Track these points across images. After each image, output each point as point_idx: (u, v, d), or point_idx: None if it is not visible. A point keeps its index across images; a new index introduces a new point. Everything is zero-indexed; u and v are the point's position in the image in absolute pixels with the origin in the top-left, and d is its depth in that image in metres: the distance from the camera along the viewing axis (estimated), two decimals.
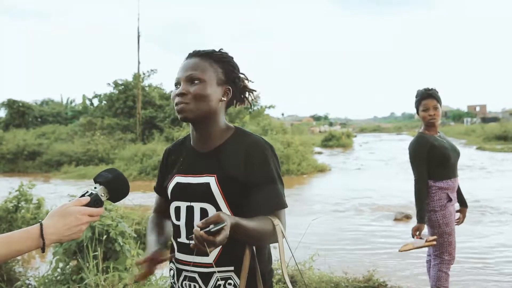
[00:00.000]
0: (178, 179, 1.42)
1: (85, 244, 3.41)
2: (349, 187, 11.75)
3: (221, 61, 1.40)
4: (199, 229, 1.09)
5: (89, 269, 3.32)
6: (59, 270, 3.63)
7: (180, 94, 1.36)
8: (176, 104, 1.37)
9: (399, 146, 27.86)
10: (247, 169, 1.35)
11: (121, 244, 3.57)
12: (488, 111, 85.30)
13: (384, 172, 15.02)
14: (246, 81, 1.49)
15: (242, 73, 1.48)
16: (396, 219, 7.97)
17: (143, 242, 5.46)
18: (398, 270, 5.24)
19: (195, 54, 1.40)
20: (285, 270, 1.31)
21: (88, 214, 1.16)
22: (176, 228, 1.41)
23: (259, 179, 1.34)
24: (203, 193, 1.35)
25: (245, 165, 1.35)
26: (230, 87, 1.42)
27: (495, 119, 57.35)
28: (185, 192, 1.39)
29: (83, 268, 3.37)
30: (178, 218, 1.40)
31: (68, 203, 1.17)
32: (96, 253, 3.40)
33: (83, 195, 1.20)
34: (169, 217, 1.48)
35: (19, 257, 4.82)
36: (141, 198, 10.23)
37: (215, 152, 1.40)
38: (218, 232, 1.09)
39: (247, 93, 1.50)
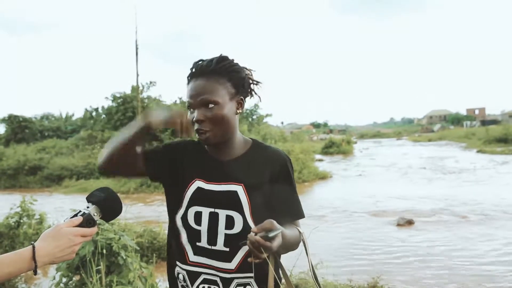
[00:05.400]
0: (200, 184, 1.41)
1: (88, 259, 3.40)
2: (351, 193, 11.74)
3: (227, 73, 1.36)
4: (254, 234, 1.13)
5: (93, 283, 3.31)
6: (62, 285, 3.61)
7: (198, 121, 1.34)
8: (198, 131, 1.36)
9: (400, 151, 27.87)
10: (272, 179, 1.39)
11: (124, 257, 3.55)
12: (487, 113, 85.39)
13: (385, 177, 15.00)
14: (249, 74, 1.44)
15: (243, 67, 1.44)
16: (398, 225, 7.96)
17: (146, 255, 5.45)
18: (402, 276, 5.22)
19: (200, 73, 1.36)
20: (313, 275, 1.36)
21: (81, 234, 1.16)
22: (195, 233, 1.39)
23: (282, 189, 1.40)
24: (230, 201, 1.36)
25: (270, 176, 1.39)
26: (242, 97, 1.40)
27: (494, 121, 57.39)
28: (208, 199, 1.39)
29: (86, 283, 3.36)
30: (198, 223, 1.39)
31: (60, 224, 1.16)
32: (99, 267, 3.39)
33: (75, 215, 1.19)
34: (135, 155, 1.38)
35: (22, 274, 4.80)
36: (143, 211, 10.23)
37: (238, 161, 1.41)
38: (273, 238, 1.13)
39: (252, 86, 1.46)
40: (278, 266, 1.35)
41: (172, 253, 1.48)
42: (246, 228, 1.36)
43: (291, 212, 1.41)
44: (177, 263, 1.44)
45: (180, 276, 1.43)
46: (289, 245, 1.33)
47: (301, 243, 1.41)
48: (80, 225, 1.17)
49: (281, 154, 1.44)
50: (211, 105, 1.33)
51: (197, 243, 1.39)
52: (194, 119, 1.35)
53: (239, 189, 1.37)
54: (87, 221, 1.18)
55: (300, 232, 1.38)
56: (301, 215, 1.43)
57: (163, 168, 1.45)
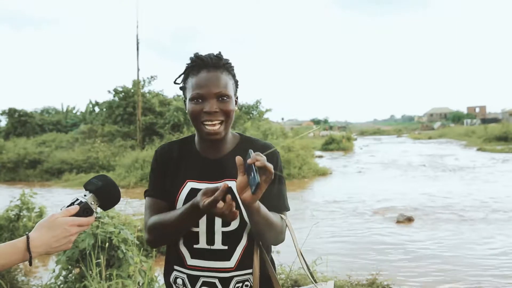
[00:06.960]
0: (192, 185, 1.39)
1: (87, 252, 3.40)
2: (351, 190, 11.75)
3: (231, 70, 1.41)
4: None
5: (92, 276, 3.31)
6: (62, 278, 3.62)
7: (211, 113, 1.32)
8: (206, 124, 1.34)
9: (400, 148, 27.87)
10: None
11: (124, 251, 3.56)
12: (488, 112, 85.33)
13: (385, 175, 15.01)
14: None
15: None
16: (398, 222, 7.97)
17: (145, 249, 5.45)
18: (401, 272, 5.23)
19: (213, 65, 1.35)
20: (301, 258, 1.39)
21: (77, 224, 1.12)
22: (193, 235, 1.38)
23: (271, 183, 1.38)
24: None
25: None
26: (237, 94, 1.45)
27: (495, 120, 57.37)
28: None
29: (86, 276, 3.37)
30: (196, 225, 1.37)
31: (56, 214, 1.12)
32: (99, 260, 3.39)
33: (72, 203, 1.14)
34: None
35: (21, 265, 4.82)
36: (143, 205, 10.23)
37: (228, 158, 1.39)
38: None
39: None
40: (264, 259, 1.39)
41: (169, 258, 1.46)
42: (242, 223, 1.36)
43: (276, 203, 1.40)
44: (175, 267, 1.42)
45: (179, 281, 1.41)
46: (270, 225, 1.30)
47: (292, 241, 1.42)
48: (77, 214, 1.13)
49: (270, 147, 1.44)
50: (225, 98, 1.34)
51: (195, 246, 1.38)
52: (206, 109, 1.32)
53: (233, 185, 1.32)
54: (84, 210, 1.14)
55: (282, 217, 1.39)
56: (284, 208, 1.44)
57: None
